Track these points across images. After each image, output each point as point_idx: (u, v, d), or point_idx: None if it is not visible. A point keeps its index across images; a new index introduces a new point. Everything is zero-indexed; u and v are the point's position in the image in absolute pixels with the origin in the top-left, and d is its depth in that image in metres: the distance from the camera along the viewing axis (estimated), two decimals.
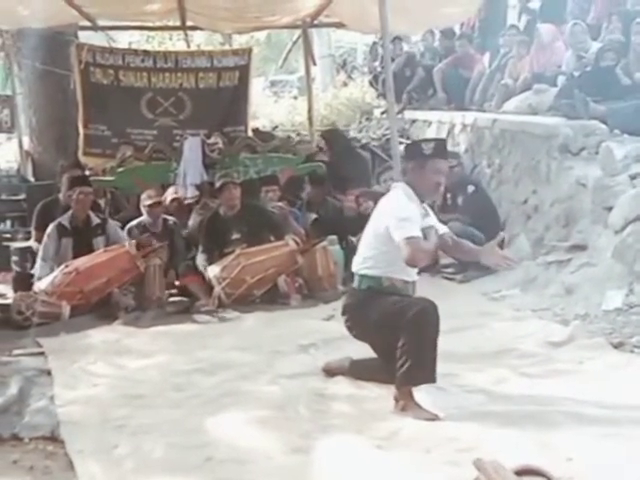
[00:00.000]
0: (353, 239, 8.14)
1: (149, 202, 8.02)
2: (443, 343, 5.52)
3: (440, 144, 4.79)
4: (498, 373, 4.96)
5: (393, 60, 12.35)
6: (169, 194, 8.77)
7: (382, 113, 13.07)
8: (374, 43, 14.82)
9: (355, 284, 4.73)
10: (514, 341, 5.57)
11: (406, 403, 4.32)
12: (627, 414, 4.05)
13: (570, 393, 4.47)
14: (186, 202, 9.06)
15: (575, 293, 6.49)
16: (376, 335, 4.61)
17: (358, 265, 4.70)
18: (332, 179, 9.54)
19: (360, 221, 8.34)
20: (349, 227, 8.27)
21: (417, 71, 12.52)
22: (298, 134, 13.17)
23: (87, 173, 9.53)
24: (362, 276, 4.66)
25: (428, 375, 4.34)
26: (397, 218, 4.43)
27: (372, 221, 4.69)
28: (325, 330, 6.17)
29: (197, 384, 5.05)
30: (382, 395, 4.57)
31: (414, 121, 12.33)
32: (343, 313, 4.78)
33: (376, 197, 8.60)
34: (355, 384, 4.82)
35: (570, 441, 3.73)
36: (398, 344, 4.35)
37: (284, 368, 5.25)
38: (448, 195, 8.22)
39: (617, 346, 5.26)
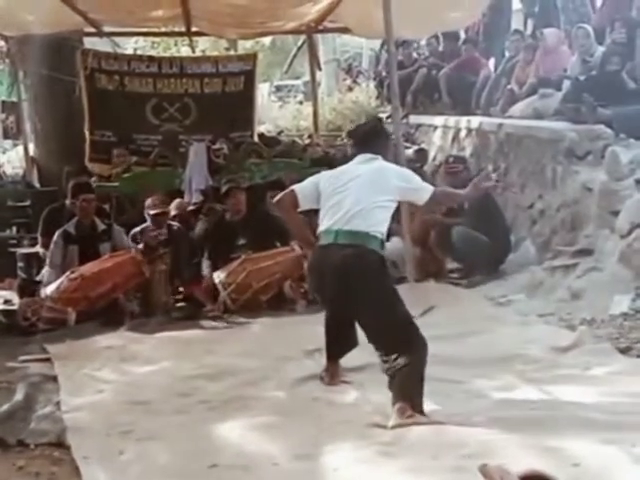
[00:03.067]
0: None
1: (154, 212, 7.96)
2: (450, 348, 5.55)
3: None
4: (504, 378, 4.94)
5: (406, 67, 12.38)
6: (172, 209, 8.74)
7: (387, 118, 13.06)
8: (381, 46, 14.82)
9: (357, 241, 4.61)
10: (520, 346, 5.54)
11: (411, 414, 4.26)
12: (634, 419, 4.03)
13: (576, 398, 4.46)
14: (188, 209, 9.04)
15: (581, 298, 6.48)
16: (364, 310, 4.59)
17: (370, 225, 4.63)
18: None
19: None
20: None
21: (419, 71, 12.52)
22: (301, 137, 13.17)
23: (93, 179, 9.58)
24: (369, 236, 4.61)
25: (420, 404, 4.32)
26: (409, 180, 4.90)
27: (367, 178, 4.76)
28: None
29: (203, 390, 5.05)
30: (388, 401, 4.56)
31: (419, 126, 12.33)
32: (349, 265, 4.57)
33: None
34: (360, 390, 4.81)
35: (576, 446, 3.71)
36: (398, 358, 4.39)
37: (290, 374, 5.24)
38: None
39: (624, 351, 5.23)
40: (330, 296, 4.78)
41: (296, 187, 5.02)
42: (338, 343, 5.04)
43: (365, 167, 4.86)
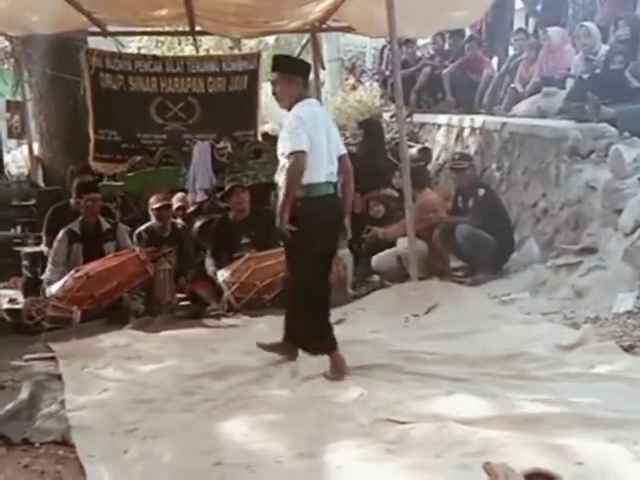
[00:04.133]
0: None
1: (157, 205, 8.04)
2: (453, 346, 5.56)
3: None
4: (508, 376, 4.94)
5: (409, 66, 12.39)
6: (175, 201, 8.78)
7: (391, 117, 13.06)
8: (383, 47, 14.82)
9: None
10: (524, 344, 5.54)
11: None
12: (637, 417, 4.03)
13: (580, 396, 4.45)
14: (189, 211, 9.05)
15: (585, 296, 6.47)
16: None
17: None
18: (360, 171, 9.64)
19: (368, 224, 8.40)
20: (359, 231, 8.28)
21: (423, 70, 12.53)
22: None
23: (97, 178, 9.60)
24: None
25: None
26: None
27: (330, 127, 5.36)
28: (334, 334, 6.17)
29: (207, 388, 5.06)
30: (392, 399, 4.57)
31: (423, 124, 12.33)
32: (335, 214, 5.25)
33: (386, 200, 8.65)
34: (364, 386, 4.81)
35: (580, 445, 3.72)
36: None
37: (294, 372, 5.25)
38: (459, 198, 8.21)
39: (628, 349, 5.22)
40: (329, 242, 5.30)
41: (302, 146, 5.09)
42: (325, 327, 5.26)
43: (324, 112, 5.54)
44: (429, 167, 10.47)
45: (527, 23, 12.14)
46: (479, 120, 10.25)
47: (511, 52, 11.37)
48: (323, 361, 5.21)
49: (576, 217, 7.45)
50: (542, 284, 7.13)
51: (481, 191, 8.03)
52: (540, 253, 7.80)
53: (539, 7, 11.60)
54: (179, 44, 17.68)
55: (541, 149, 8.32)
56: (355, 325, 6.57)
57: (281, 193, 5.13)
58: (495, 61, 11.98)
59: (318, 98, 12.46)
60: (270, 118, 15.50)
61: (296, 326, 5.35)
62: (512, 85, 10.32)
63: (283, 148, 5.14)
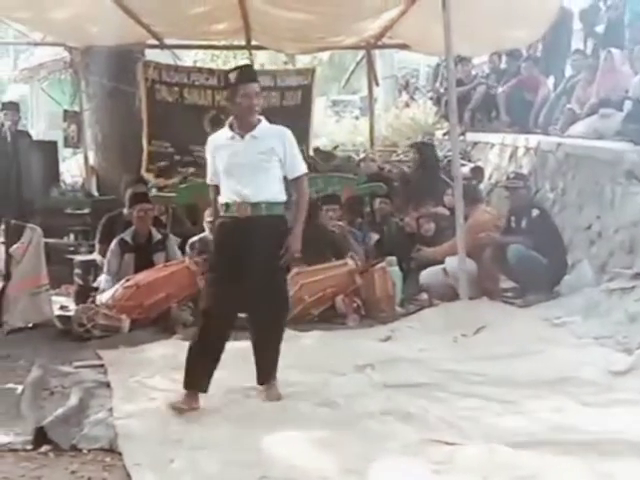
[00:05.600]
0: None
1: (212, 218, 8.08)
2: (502, 368, 5.50)
3: (244, 70, 5.48)
4: (557, 400, 4.88)
5: (464, 84, 12.36)
6: None
7: (444, 134, 13.03)
8: (438, 64, 14.82)
9: None
10: (575, 369, 5.45)
11: None
12: None
13: (631, 423, 4.38)
14: None
15: (639, 321, 6.36)
16: None
17: None
18: (410, 191, 9.61)
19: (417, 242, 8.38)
20: (409, 248, 8.26)
21: (477, 89, 12.50)
22: (356, 152, 13.16)
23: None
24: None
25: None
26: None
27: None
28: (382, 351, 6.15)
29: (254, 401, 5.06)
30: (439, 419, 4.53)
31: (476, 143, 12.26)
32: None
33: (437, 219, 8.60)
34: (413, 405, 4.78)
35: (630, 471, 3.66)
36: None
37: (341, 388, 5.23)
38: (512, 217, 8.13)
39: None
40: None
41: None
42: None
43: None
44: (481, 186, 10.41)
45: (585, 44, 12.03)
46: (534, 140, 10.16)
47: (568, 73, 11.28)
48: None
49: (631, 241, 7.32)
50: (595, 308, 7.01)
51: (535, 211, 7.94)
52: (593, 276, 7.68)
53: (599, 28, 11.46)
54: (234, 58, 17.84)
55: (597, 171, 8.21)
56: (403, 343, 6.54)
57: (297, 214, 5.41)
58: (551, 81, 11.90)
59: (371, 114, 12.56)
60: (322, 133, 15.57)
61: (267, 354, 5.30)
62: (569, 106, 10.22)
63: (292, 167, 5.58)
